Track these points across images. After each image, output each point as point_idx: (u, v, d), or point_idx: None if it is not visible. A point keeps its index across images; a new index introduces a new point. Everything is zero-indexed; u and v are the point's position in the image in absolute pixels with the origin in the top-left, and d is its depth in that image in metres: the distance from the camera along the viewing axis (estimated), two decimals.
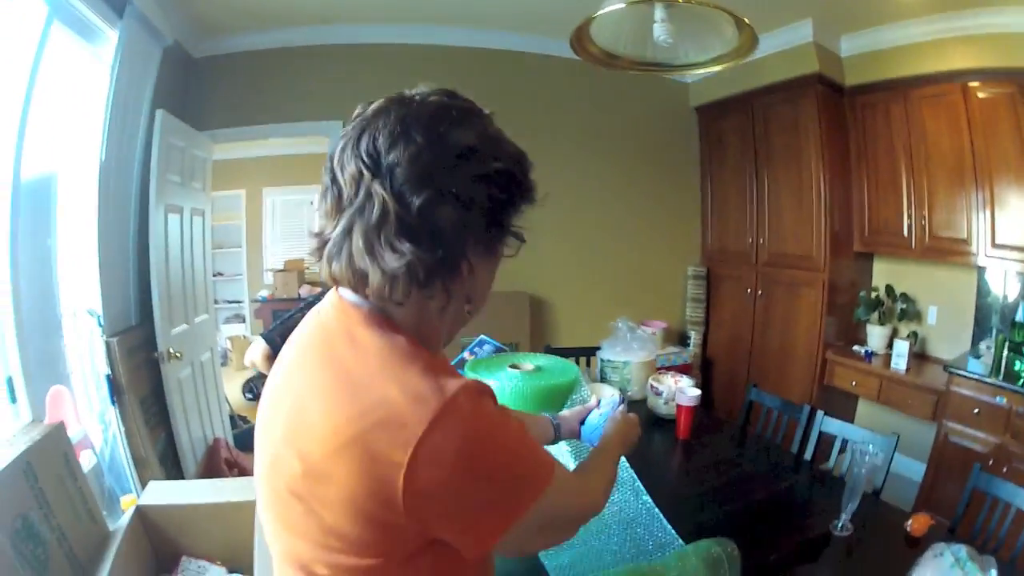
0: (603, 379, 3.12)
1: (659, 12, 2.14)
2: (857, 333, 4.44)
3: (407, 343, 0.86)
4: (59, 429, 2.30)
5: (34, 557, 1.82)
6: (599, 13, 2.09)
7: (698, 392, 2.65)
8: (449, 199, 0.81)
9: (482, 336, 2.54)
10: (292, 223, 8.38)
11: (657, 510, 1.72)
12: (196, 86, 4.35)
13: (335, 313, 0.92)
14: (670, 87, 5.05)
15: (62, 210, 3.04)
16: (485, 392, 0.85)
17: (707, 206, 5.20)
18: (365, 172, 0.82)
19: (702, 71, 2.50)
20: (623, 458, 1.58)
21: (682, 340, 5.13)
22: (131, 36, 3.12)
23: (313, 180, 4.91)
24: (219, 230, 8.04)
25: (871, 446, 1.91)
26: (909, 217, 4.00)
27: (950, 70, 3.63)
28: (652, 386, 2.86)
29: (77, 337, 3.17)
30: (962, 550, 1.54)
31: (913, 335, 4.14)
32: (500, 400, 1.82)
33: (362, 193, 0.82)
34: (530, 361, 2.16)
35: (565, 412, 1.61)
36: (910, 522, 1.81)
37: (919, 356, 4.18)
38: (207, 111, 4.38)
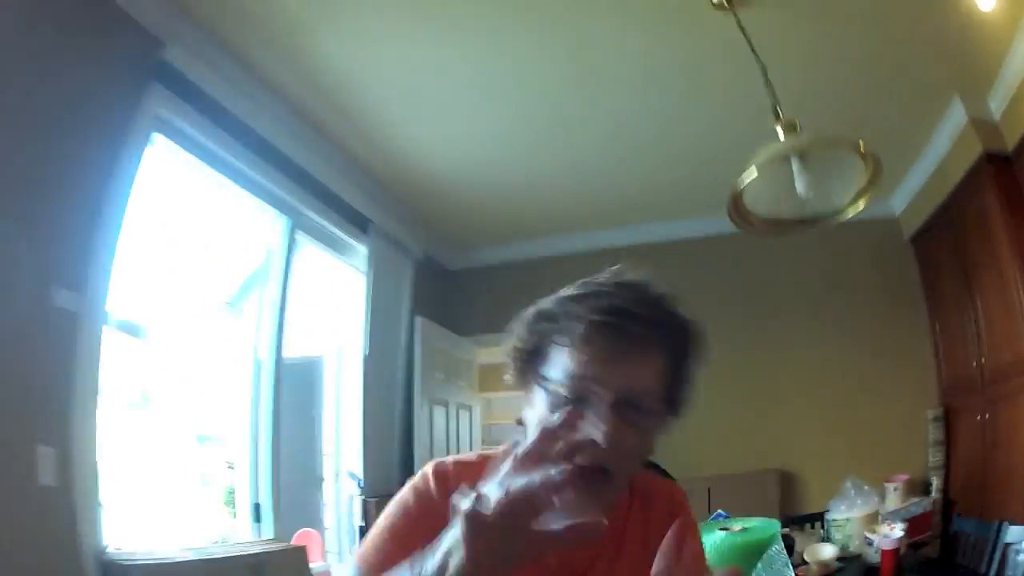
0: (828, 539, 3.10)
1: (795, 166, 2.37)
2: None
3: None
4: (300, 551, 2.89)
5: None
6: (742, 181, 2.36)
7: (899, 534, 2.61)
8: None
9: (720, 511, 2.72)
10: None
11: None
12: (454, 294, 5.20)
13: None
14: (881, 226, 4.86)
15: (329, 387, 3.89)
16: (428, 477, 0.96)
17: (936, 339, 4.74)
18: None
19: (853, 213, 2.58)
20: None
21: (926, 489, 4.54)
22: (378, 250, 3.95)
23: None
24: (496, 430, 8.67)
25: None
26: None
27: None
28: (866, 537, 2.84)
29: (336, 494, 3.84)
30: None
31: None
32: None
33: None
34: (741, 524, 2.30)
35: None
36: None
37: None
38: (468, 317, 5.14)
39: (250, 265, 5.15)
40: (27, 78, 2.17)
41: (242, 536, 3.10)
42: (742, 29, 2.57)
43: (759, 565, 1.83)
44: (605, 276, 0.96)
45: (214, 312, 5.08)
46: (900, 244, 4.90)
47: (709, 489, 4.34)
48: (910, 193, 4.70)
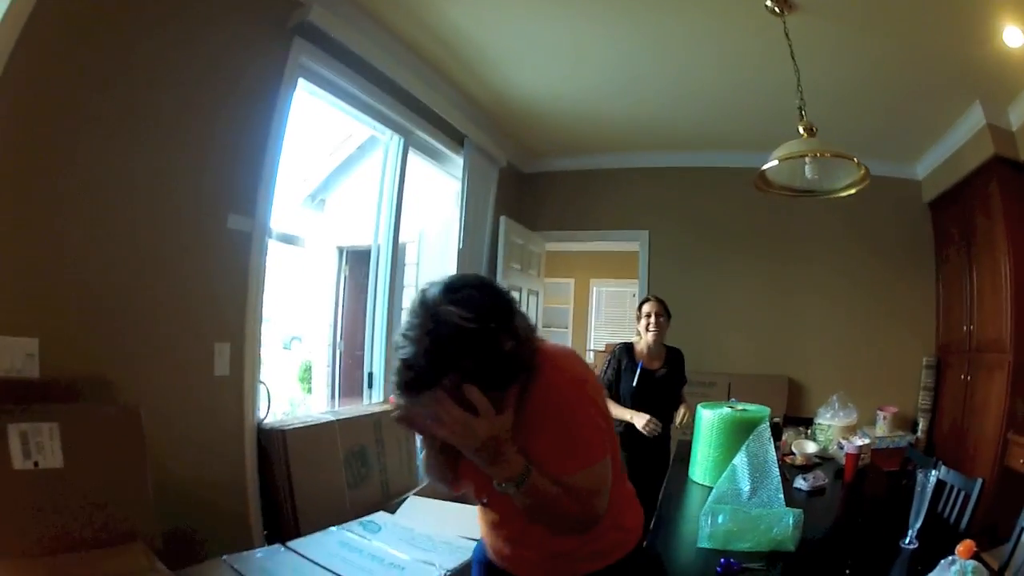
0: (813, 438, 3.68)
1: (807, 159, 2.99)
2: None
3: None
4: None
5: (358, 472, 3.07)
6: (766, 167, 3.07)
7: (861, 443, 3.18)
8: None
9: (734, 399, 3.42)
10: (614, 311, 9.52)
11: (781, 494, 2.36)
12: (528, 195, 5.94)
13: None
14: (906, 186, 5.29)
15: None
16: None
17: (939, 297, 5.20)
18: None
19: (845, 194, 3.29)
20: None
21: (913, 427, 5.18)
22: (471, 161, 4.57)
23: (632, 275, 6.15)
24: (549, 312, 9.37)
25: (933, 472, 2.17)
26: None
27: None
28: (838, 442, 3.43)
29: None
30: (970, 564, 1.64)
31: None
32: (711, 422, 2.97)
33: None
34: (743, 406, 3.14)
35: None
36: (959, 546, 1.74)
37: None
38: (538, 215, 5.94)
39: (332, 162, 5.74)
40: (203, 43, 2.56)
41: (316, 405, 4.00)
42: (787, 34, 3.10)
43: (751, 436, 2.55)
44: (405, 326, 1.24)
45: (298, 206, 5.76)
46: (920, 206, 5.31)
47: (730, 384, 5.20)
48: (931, 164, 5.02)
